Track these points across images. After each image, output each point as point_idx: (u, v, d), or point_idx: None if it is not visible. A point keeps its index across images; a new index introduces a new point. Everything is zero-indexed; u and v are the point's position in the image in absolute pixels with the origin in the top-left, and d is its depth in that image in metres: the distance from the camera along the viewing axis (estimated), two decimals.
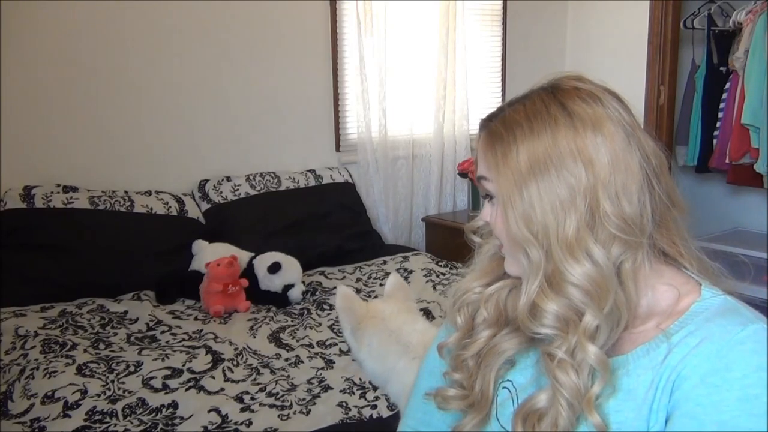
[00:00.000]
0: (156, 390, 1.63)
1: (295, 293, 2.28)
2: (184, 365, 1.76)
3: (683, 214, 0.77)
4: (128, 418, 1.51)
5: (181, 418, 1.52)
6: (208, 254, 2.37)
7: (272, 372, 1.75)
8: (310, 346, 1.92)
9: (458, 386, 0.83)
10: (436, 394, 0.86)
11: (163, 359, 1.78)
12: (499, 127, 0.75)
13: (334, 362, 1.82)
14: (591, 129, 0.71)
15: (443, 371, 0.87)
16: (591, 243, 0.70)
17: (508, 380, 0.81)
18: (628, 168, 0.71)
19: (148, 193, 2.62)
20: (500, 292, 0.82)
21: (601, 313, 0.70)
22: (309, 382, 1.70)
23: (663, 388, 0.68)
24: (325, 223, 2.88)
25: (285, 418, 1.53)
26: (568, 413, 0.70)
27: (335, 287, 2.39)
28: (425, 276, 2.54)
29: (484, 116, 0.80)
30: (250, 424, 1.50)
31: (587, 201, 0.70)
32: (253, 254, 2.40)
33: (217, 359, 1.80)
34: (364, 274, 2.57)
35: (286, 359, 1.83)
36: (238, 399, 1.60)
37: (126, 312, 2.12)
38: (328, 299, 2.29)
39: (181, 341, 1.93)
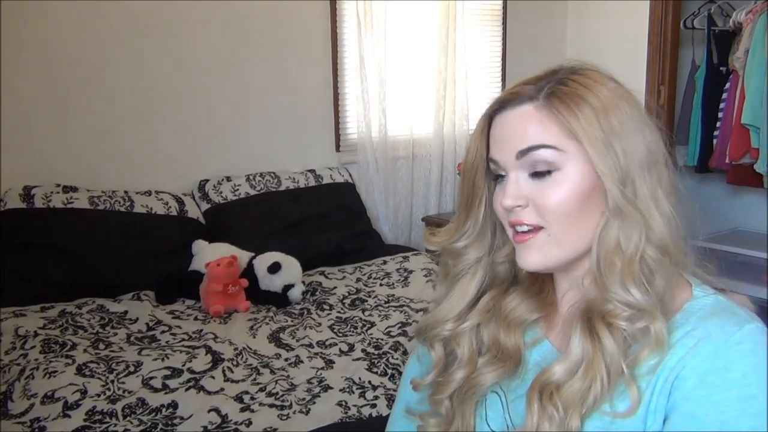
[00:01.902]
0: (156, 390, 1.63)
1: (295, 293, 2.28)
2: (184, 365, 1.76)
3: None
4: (128, 418, 1.51)
5: (181, 418, 1.52)
6: (208, 254, 2.37)
7: (272, 372, 1.75)
8: (310, 346, 1.92)
9: (437, 426, 0.83)
10: (419, 417, 0.85)
11: (163, 359, 1.78)
12: (571, 90, 0.72)
13: (333, 362, 1.82)
14: (638, 106, 0.75)
15: (422, 394, 0.86)
16: (665, 200, 0.72)
17: (496, 384, 0.81)
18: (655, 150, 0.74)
19: (148, 193, 2.62)
20: (471, 330, 0.81)
21: (669, 275, 0.71)
22: (309, 381, 1.70)
23: (660, 389, 0.68)
24: (325, 223, 2.88)
25: (285, 417, 1.53)
26: (605, 382, 0.68)
27: (335, 287, 2.40)
28: (425, 276, 2.54)
29: (498, 98, 0.77)
30: (249, 423, 1.50)
31: (659, 164, 0.73)
32: (253, 254, 2.40)
33: (217, 359, 1.80)
34: (364, 274, 2.57)
35: (286, 359, 1.83)
36: (238, 399, 1.60)
37: (126, 312, 2.12)
38: (328, 299, 2.29)
39: (181, 341, 1.93)
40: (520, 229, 0.74)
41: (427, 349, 0.84)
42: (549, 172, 0.72)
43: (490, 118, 0.78)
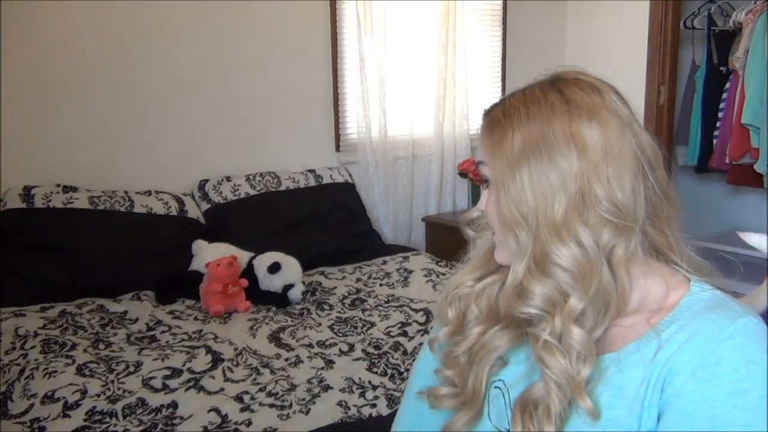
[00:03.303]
0: (156, 390, 1.63)
1: (295, 293, 2.28)
2: (184, 365, 1.76)
3: (676, 209, 0.78)
4: (128, 418, 1.51)
5: (181, 418, 1.52)
6: (208, 254, 2.37)
7: (272, 372, 1.75)
8: (310, 346, 1.92)
9: (450, 384, 0.83)
10: (429, 393, 0.85)
11: (163, 359, 1.78)
12: (498, 113, 0.77)
13: (333, 362, 1.82)
14: (586, 115, 0.72)
15: (435, 369, 0.87)
16: (578, 226, 0.70)
17: (499, 380, 0.81)
18: (621, 155, 0.72)
19: (148, 193, 2.62)
20: (492, 287, 0.83)
21: (586, 296, 0.70)
22: (309, 381, 1.70)
23: (654, 385, 0.68)
24: (325, 223, 2.88)
25: (285, 417, 1.53)
26: (559, 397, 0.70)
27: (335, 287, 2.40)
28: (425, 276, 2.54)
29: (486, 107, 0.82)
30: (249, 423, 1.50)
31: (577, 185, 0.70)
32: (253, 254, 2.40)
33: (217, 359, 1.80)
34: (364, 274, 2.57)
35: (286, 359, 1.83)
36: (238, 399, 1.60)
37: (126, 312, 2.12)
38: (328, 299, 2.29)
39: (181, 341, 1.93)
40: None
41: (445, 312, 0.86)
42: (488, 184, 0.79)
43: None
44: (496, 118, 0.76)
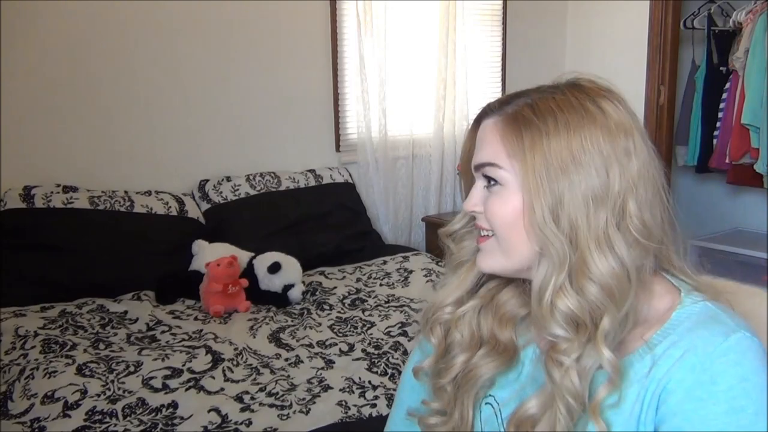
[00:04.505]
0: (156, 390, 1.63)
1: (295, 293, 2.28)
2: (184, 365, 1.76)
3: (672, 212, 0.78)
4: (128, 418, 1.51)
5: (181, 418, 1.52)
6: (208, 254, 2.37)
7: (272, 372, 1.75)
8: (310, 346, 1.92)
9: (438, 414, 0.83)
10: (419, 421, 0.86)
11: (163, 359, 1.78)
12: (527, 113, 0.72)
13: (334, 362, 1.82)
14: (623, 134, 0.71)
15: (422, 395, 0.86)
16: (618, 240, 0.69)
17: (490, 395, 0.81)
18: (652, 178, 0.72)
19: (148, 193, 2.62)
20: (472, 313, 0.81)
21: (618, 315, 0.68)
22: (309, 381, 1.70)
23: (649, 402, 0.67)
24: (325, 223, 2.88)
25: (285, 417, 1.53)
26: (566, 419, 0.68)
27: (335, 287, 2.40)
28: (425, 276, 2.54)
29: (489, 103, 0.78)
30: (249, 423, 1.50)
31: (618, 202, 0.69)
32: (253, 254, 2.40)
33: (217, 359, 1.80)
34: (364, 274, 2.57)
35: (286, 359, 1.83)
36: (238, 399, 1.60)
37: (126, 312, 2.12)
38: (328, 299, 2.29)
39: (181, 341, 1.93)
40: (480, 233, 0.78)
41: (427, 336, 0.85)
42: (496, 185, 0.74)
43: (477, 122, 0.80)
44: (525, 117, 0.72)
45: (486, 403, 0.81)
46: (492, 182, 0.75)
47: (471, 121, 0.82)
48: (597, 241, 0.69)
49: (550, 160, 0.70)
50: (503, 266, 0.76)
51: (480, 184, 0.77)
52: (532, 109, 0.72)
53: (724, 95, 3.53)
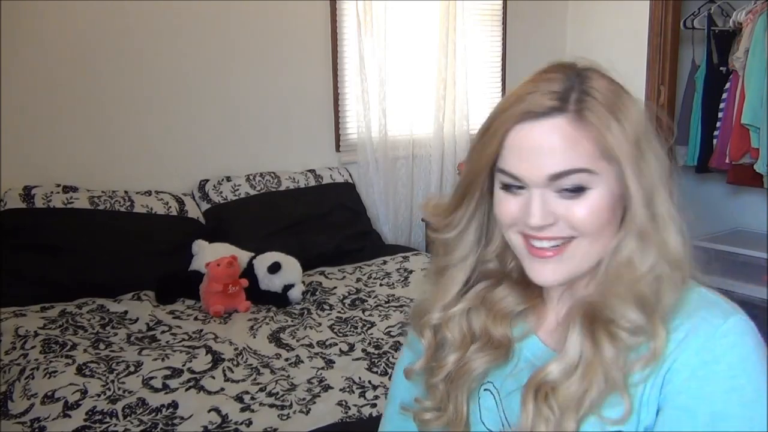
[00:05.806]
0: (156, 390, 1.63)
1: (295, 293, 2.28)
2: (184, 365, 1.76)
3: None
4: (128, 418, 1.51)
5: (181, 418, 1.52)
6: (208, 254, 2.37)
7: (272, 372, 1.75)
8: (310, 346, 1.93)
9: (433, 410, 0.83)
10: (414, 417, 0.86)
11: (163, 359, 1.78)
12: (598, 107, 0.69)
13: (334, 362, 1.82)
14: (645, 114, 0.74)
15: (415, 391, 0.87)
16: (677, 216, 0.72)
17: (489, 382, 0.81)
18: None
19: (148, 193, 2.62)
20: (461, 314, 0.81)
21: (678, 293, 0.70)
22: (309, 381, 1.70)
23: (653, 382, 0.69)
24: (325, 223, 2.88)
25: (285, 417, 1.53)
26: (599, 388, 0.68)
27: (335, 287, 2.40)
28: (425, 276, 2.53)
29: (521, 105, 0.70)
30: (250, 423, 1.50)
31: (669, 181, 0.73)
32: (253, 254, 2.40)
33: (217, 359, 1.80)
34: (364, 274, 2.57)
35: (286, 359, 1.83)
36: (238, 399, 1.60)
37: (126, 312, 2.12)
38: (328, 299, 2.29)
39: (181, 341, 1.94)
40: (539, 244, 0.72)
41: (417, 337, 0.85)
42: (578, 192, 0.70)
43: (505, 129, 0.72)
44: (594, 112, 0.69)
45: (485, 390, 0.81)
46: (572, 190, 0.69)
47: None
48: (672, 220, 0.71)
49: (635, 151, 0.69)
50: (570, 274, 0.74)
51: (545, 194, 0.70)
52: (600, 96, 0.71)
53: (724, 95, 3.53)
